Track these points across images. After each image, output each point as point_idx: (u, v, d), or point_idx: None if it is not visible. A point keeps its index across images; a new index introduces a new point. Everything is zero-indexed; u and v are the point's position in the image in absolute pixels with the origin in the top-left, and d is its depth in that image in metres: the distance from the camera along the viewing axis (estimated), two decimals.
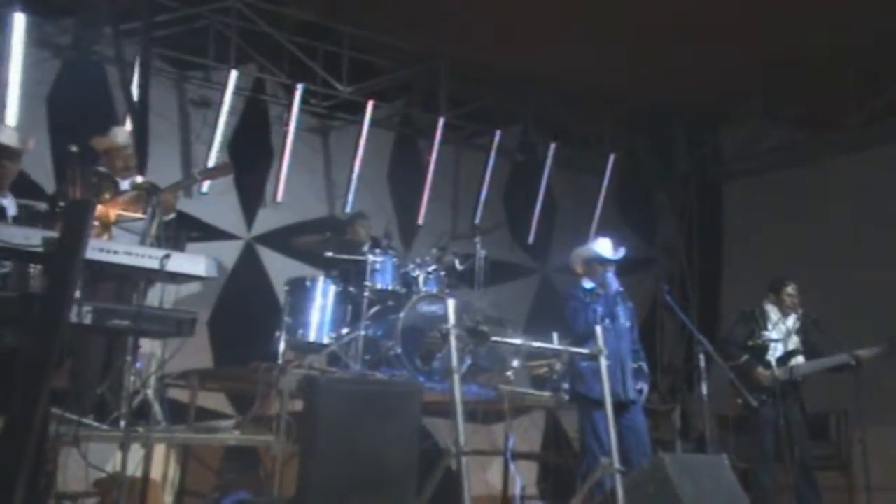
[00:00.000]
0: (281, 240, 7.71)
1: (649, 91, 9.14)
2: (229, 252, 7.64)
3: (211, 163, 7.26)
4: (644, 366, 6.16)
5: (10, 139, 4.82)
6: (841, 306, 7.55)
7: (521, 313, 8.83)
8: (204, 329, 7.28)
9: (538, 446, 8.40)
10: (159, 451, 5.76)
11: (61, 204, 4.65)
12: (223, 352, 7.28)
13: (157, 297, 4.81)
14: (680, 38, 7.93)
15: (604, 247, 6.10)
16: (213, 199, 7.45)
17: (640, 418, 5.96)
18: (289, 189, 7.84)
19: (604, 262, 6.04)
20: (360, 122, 8.16)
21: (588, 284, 6.09)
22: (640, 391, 6.02)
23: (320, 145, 8.43)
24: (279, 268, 7.62)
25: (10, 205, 4.73)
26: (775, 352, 6.56)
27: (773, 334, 6.59)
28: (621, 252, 6.07)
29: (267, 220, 7.92)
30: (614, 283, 6.03)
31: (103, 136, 5.51)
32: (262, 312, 6.47)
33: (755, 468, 6.52)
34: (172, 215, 5.25)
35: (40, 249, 3.64)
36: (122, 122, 6.66)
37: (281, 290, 6.51)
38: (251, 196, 7.86)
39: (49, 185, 6.32)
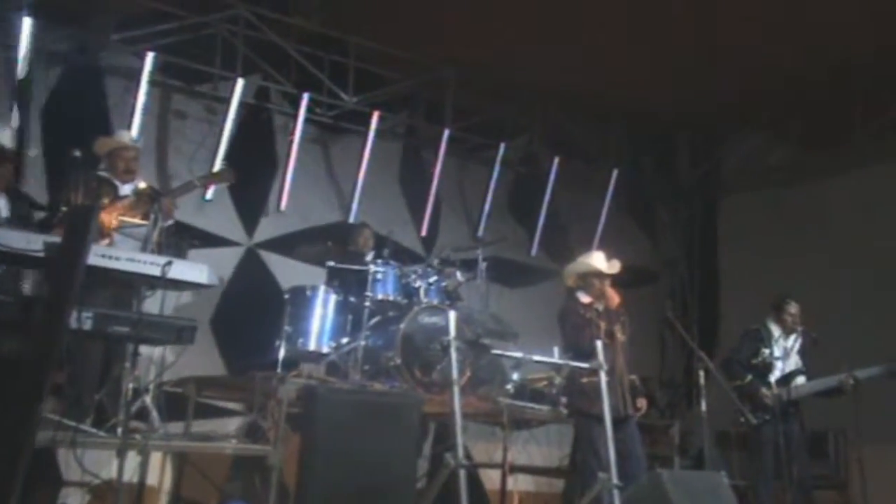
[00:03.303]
0: (288, 245, 7.72)
1: (653, 106, 9.16)
2: (229, 259, 7.63)
3: (215, 170, 7.25)
4: (636, 379, 6.11)
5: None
6: (841, 324, 7.53)
7: (551, 315, 8.78)
8: (208, 334, 7.28)
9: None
10: (156, 457, 5.74)
11: (63, 209, 4.65)
12: (233, 357, 7.23)
13: (157, 302, 4.80)
14: (685, 55, 7.95)
15: (599, 260, 6.04)
16: (210, 208, 7.44)
17: (636, 432, 5.92)
18: (293, 198, 7.84)
19: (601, 275, 5.98)
20: (365, 133, 8.17)
21: (585, 298, 6.02)
22: (640, 409, 5.96)
23: (325, 154, 8.44)
24: (288, 272, 7.62)
25: (4, 207, 4.71)
26: (777, 370, 6.55)
27: (776, 352, 6.58)
28: (617, 265, 6.02)
29: (273, 227, 7.91)
30: (612, 297, 5.98)
31: (108, 138, 5.51)
32: (271, 316, 6.46)
33: (755, 486, 6.50)
34: (171, 221, 5.25)
35: (41, 254, 3.63)
36: (128, 129, 6.67)
37: None
38: (251, 204, 7.82)
39: (40, 193, 6.25)
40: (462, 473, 4.53)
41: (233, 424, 6.85)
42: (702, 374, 6.12)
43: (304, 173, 7.96)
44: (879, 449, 6.81)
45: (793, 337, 6.68)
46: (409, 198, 8.77)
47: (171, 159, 7.48)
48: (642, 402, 5.98)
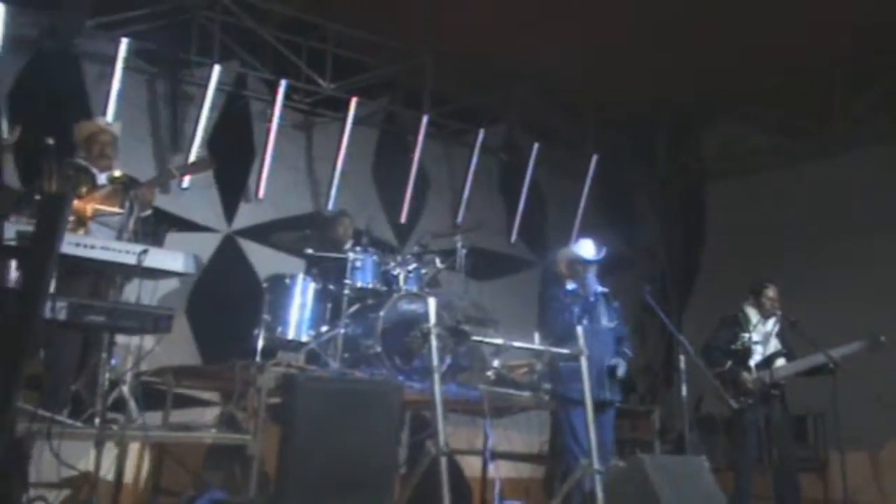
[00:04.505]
0: (265, 234, 7.65)
1: (633, 92, 9.15)
2: (206, 245, 7.53)
3: (192, 159, 7.18)
4: (626, 350, 6.14)
5: None
6: (820, 308, 7.57)
7: (527, 304, 8.83)
8: (183, 322, 7.20)
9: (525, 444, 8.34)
10: (134, 448, 5.69)
11: (37, 197, 4.57)
12: (208, 345, 7.16)
13: (135, 291, 4.75)
14: (664, 41, 7.94)
15: (585, 248, 6.09)
16: (192, 194, 7.36)
17: (610, 420, 5.96)
18: (271, 185, 7.75)
19: (585, 263, 6.04)
20: (343, 120, 8.10)
21: (571, 286, 6.09)
22: (614, 366, 5.96)
23: (303, 142, 8.36)
24: (265, 261, 7.55)
25: None
26: (756, 355, 6.58)
27: (754, 337, 6.60)
28: (602, 253, 6.06)
29: (251, 215, 7.82)
30: (593, 284, 6.03)
31: (85, 123, 5.43)
32: (248, 305, 6.44)
33: (736, 470, 6.53)
34: (149, 211, 5.19)
35: (13, 243, 3.56)
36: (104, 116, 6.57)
37: None
38: (231, 191, 7.74)
39: (11, 181, 6.14)
40: (444, 461, 4.53)
41: (208, 414, 6.79)
42: (682, 359, 6.13)
43: (281, 161, 7.89)
44: (859, 433, 6.87)
45: (771, 321, 6.70)
46: (382, 186, 8.68)
47: (147, 146, 7.38)
48: (616, 361, 5.97)
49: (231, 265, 7.63)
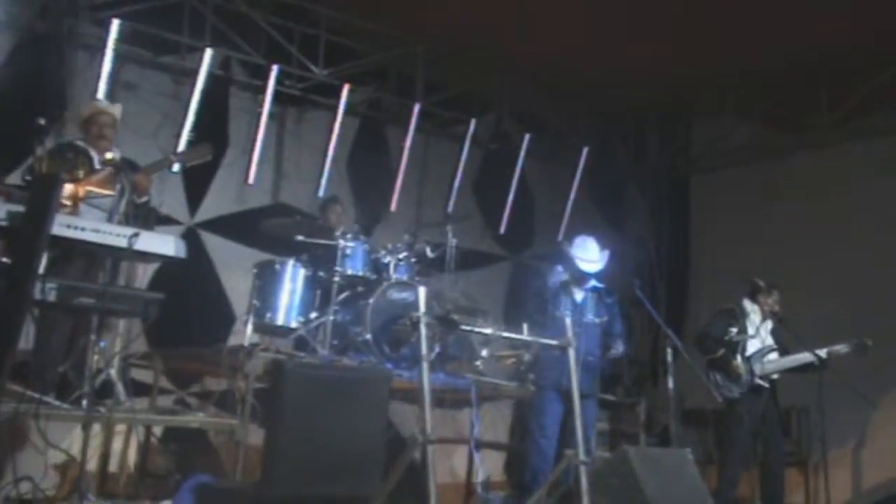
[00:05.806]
0: (228, 225, 7.59)
1: (624, 85, 9.16)
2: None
3: (182, 143, 7.12)
4: (613, 346, 6.22)
5: None
6: (807, 302, 7.62)
7: (497, 300, 8.84)
8: None
9: (504, 433, 8.37)
10: (121, 431, 5.68)
11: (28, 178, 4.55)
12: (157, 335, 6.90)
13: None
14: (656, 34, 7.96)
15: (586, 252, 6.21)
16: (156, 184, 7.24)
17: (589, 413, 6.01)
18: (237, 177, 7.64)
19: (583, 276, 6.19)
20: (329, 108, 8.03)
21: (563, 277, 6.23)
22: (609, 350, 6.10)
23: (280, 130, 8.23)
24: (224, 253, 7.50)
25: None
26: (751, 349, 6.62)
27: (750, 331, 6.64)
28: (604, 259, 6.16)
29: (216, 206, 7.71)
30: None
31: (89, 104, 5.40)
32: (202, 297, 6.38)
33: (723, 463, 6.57)
34: (146, 198, 5.16)
35: (4, 223, 3.55)
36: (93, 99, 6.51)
37: (225, 276, 7.10)
38: (197, 182, 7.56)
39: None
40: (430, 449, 4.53)
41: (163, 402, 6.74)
42: (669, 351, 6.17)
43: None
44: (843, 428, 6.92)
45: (768, 321, 6.75)
46: (363, 175, 8.56)
47: (133, 131, 7.30)
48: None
49: (190, 257, 7.48)
